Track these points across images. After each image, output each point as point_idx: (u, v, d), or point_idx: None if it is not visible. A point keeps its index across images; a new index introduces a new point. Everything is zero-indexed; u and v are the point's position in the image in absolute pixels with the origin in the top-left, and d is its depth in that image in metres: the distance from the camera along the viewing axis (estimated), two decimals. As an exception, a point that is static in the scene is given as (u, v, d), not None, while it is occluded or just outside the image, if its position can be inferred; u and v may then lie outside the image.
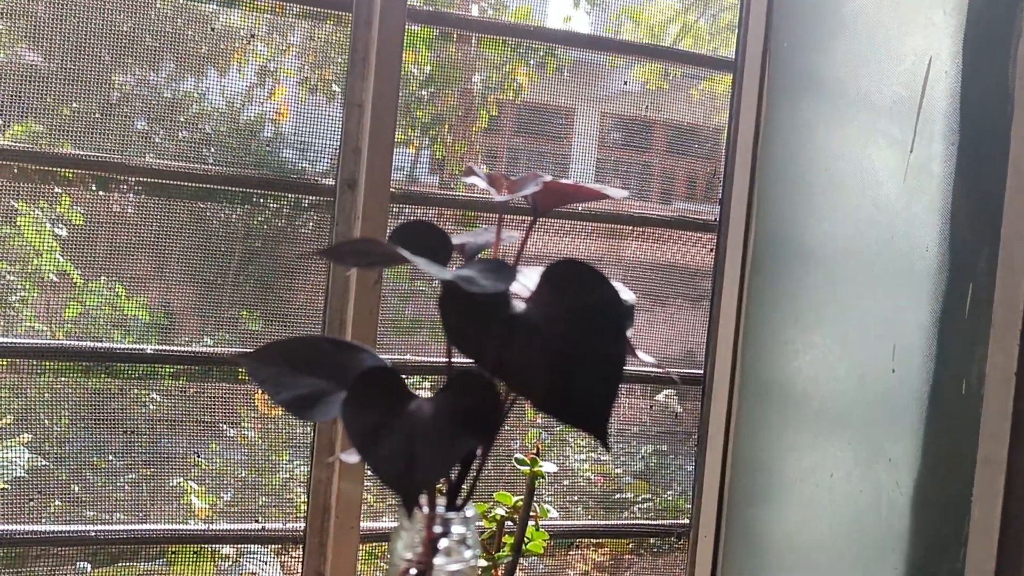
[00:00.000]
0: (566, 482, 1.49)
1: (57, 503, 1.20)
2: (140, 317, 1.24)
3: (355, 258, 0.58)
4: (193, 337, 1.26)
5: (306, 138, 1.28)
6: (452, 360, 0.54)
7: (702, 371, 1.41)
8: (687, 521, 1.44)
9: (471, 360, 0.52)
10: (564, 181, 0.61)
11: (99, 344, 1.21)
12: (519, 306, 0.55)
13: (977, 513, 0.93)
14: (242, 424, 1.29)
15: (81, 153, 1.18)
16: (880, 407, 1.07)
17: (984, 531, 0.93)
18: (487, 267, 0.55)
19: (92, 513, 1.22)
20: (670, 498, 1.54)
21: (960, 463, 0.95)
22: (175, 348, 1.26)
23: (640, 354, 0.59)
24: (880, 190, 1.10)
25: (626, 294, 0.68)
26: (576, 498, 1.50)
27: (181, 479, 1.27)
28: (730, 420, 1.32)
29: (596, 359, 0.52)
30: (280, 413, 1.30)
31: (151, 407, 1.24)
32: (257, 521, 1.29)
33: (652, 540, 1.51)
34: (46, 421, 1.18)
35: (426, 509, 0.54)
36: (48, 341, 1.20)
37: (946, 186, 1.01)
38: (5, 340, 1.18)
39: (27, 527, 1.18)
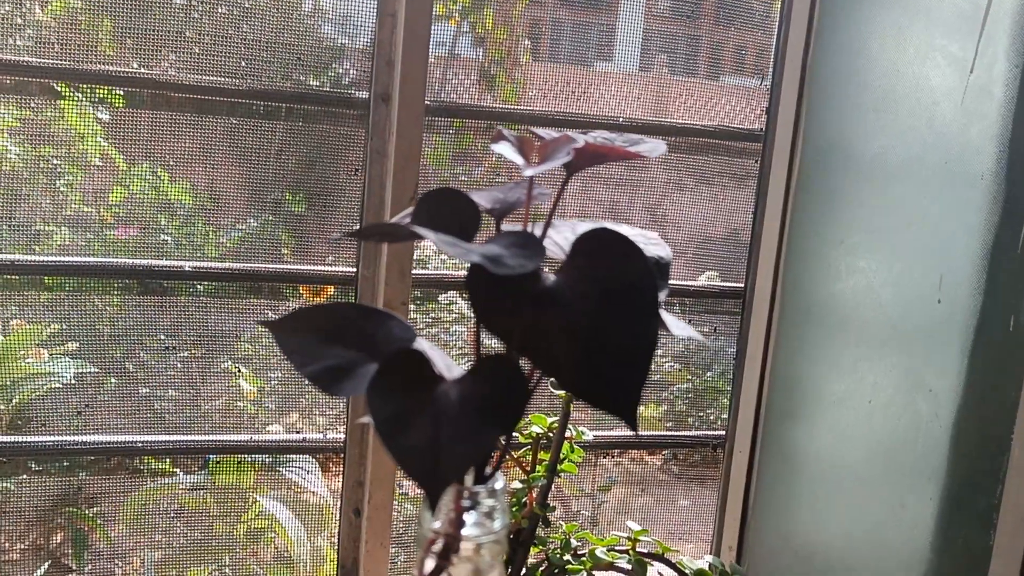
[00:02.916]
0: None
1: (112, 380, 1.24)
2: (184, 202, 1.25)
3: (381, 237, 0.57)
4: (237, 219, 1.27)
5: (345, 12, 1.26)
6: (480, 341, 0.53)
7: (742, 285, 1.39)
8: (723, 432, 1.45)
9: (499, 339, 0.51)
10: (597, 143, 0.58)
11: (137, 261, 1.22)
12: (548, 279, 0.54)
13: (1017, 452, 0.91)
14: (287, 309, 1.30)
15: (114, 68, 1.16)
16: (923, 337, 1.05)
17: (1023, 470, 0.91)
18: (515, 242, 0.53)
19: (147, 390, 1.26)
20: (710, 379, 1.53)
21: (1002, 400, 0.93)
22: (213, 265, 1.27)
23: (675, 329, 0.57)
24: (936, 111, 1.05)
25: (662, 250, 0.66)
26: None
27: (230, 363, 1.29)
28: (769, 338, 1.30)
29: (627, 341, 0.51)
30: (324, 299, 1.31)
31: (199, 287, 1.26)
32: (298, 430, 1.32)
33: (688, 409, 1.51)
34: (97, 302, 1.22)
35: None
36: (99, 259, 1.21)
37: (1007, 112, 0.95)
38: (49, 259, 1.20)
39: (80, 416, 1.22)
